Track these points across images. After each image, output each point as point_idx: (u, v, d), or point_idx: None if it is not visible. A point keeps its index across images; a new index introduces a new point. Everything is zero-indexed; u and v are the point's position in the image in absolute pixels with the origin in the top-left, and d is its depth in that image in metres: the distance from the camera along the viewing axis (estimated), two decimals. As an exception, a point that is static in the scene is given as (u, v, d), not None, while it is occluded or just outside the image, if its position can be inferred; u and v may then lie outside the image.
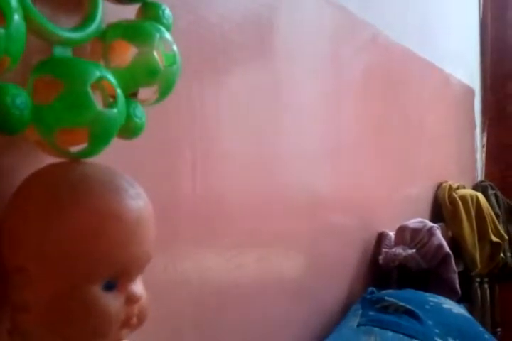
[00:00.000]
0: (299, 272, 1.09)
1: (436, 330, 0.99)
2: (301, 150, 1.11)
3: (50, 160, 0.49)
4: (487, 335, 1.04)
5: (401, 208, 1.66)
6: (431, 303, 1.07)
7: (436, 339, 0.97)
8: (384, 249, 1.30)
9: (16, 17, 0.41)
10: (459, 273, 1.35)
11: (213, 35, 0.82)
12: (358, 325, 1.01)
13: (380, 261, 1.30)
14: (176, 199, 0.74)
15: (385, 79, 1.55)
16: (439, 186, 1.91)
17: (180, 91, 0.62)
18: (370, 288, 1.16)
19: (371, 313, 1.04)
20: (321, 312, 1.14)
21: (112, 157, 0.52)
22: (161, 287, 0.68)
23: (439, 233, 1.32)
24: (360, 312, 1.06)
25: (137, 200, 0.46)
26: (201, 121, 0.80)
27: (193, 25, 0.77)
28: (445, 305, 1.08)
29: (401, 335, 0.95)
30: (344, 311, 1.14)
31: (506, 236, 1.97)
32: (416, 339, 0.95)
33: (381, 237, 1.36)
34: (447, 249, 1.27)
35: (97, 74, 0.46)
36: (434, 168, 1.95)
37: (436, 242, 1.28)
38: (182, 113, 0.76)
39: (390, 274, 1.29)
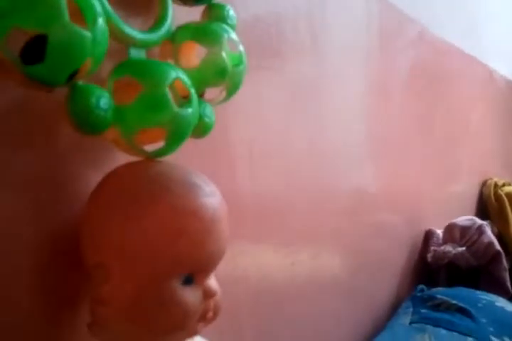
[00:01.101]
0: (349, 269, 1.09)
1: (491, 329, 0.98)
2: (348, 147, 1.11)
3: (124, 158, 0.50)
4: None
5: (447, 205, 1.64)
6: (483, 301, 1.06)
7: (492, 337, 0.96)
8: (432, 247, 1.29)
9: (100, 21, 0.42)
10: (506, 271, 1.33)
11: (268, 34, 0.83)
12: (410, 323, 1.01)
13: (429, 259, 1.29)
14: (235, 197, 0.75)
15: (430, 75, 1.54)
16: (484, 183, 1.89)
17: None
18: (420, 286, 1.16)
19: (423, 311, 1.03)
20: (371, 310, 1.14)
21: (175, 156, 0.53)
22: (223, 282, 0.69)
23: (489, 230, 1.30)
24: (411, 309, 1.06)
25: (212, 198, 0.47)
26: (256, 121, 0.81)
27: (250, 25, 0.78)
28: (498, 304, 1.07)
29: (455, 333, 0.95)
30: (393, 309, 1.14)
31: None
32: (470, 337, 0.94)
33: (429, 235, 1.35)
34: (498, 246, 1.26)
35: (174, 75, 0.47)
36: (478, 165, 1.93)
37: (486, 240, 1.26)
38: (239, 113, 0.76)
39: (438, 272, 1.28)
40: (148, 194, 0.45)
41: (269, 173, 0.84)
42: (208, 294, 0.47)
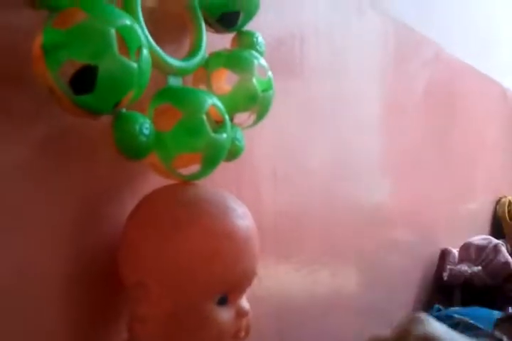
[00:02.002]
0: (366, 287, 1.10)
1: (508, 348, 0.98)
2: (366, 165, 1.13)
3: (158, 181, 0.52)
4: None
5: (461, 223, 1.65)
6: (500, 321, 1.07)
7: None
8: (448, 266, 1.30)
9: (145, 52, 0.44)
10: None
11: (292, 57, 0.85)
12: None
13: (445, 278, 1.30)
14: (259, 217, 0.76)
15: (445, 94, 1.56)
16: (498, 201, 1.90)
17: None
18: (436, 306, 1.16)
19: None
20: (388, 327, 1.14)
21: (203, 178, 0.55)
22: (249, 301, 0.70)
23: (504, 250, 1.31)
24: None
25: (245, 220, 0.49)
26: (279, 141, 0.83)
27: (275, 48, 0.80)
28: (514, 324, 1.07)
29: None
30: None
31: None
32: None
33: (445, 254, 1.36)
34: (513, 266, 1.27)
35: (210, 101, 0.50)
36: (492, 183, 1.94)
37: (502, 259, 1.27)
38: (262, 134, 0.78)
39: (454, 291, 1.29)
40: (185, 216, 0.47)
41: (291, 192, 0.86)
42: (241, 314, 0.49)
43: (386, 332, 0.73)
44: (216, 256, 0.46)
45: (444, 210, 1.55)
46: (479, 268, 1.26)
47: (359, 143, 1.10)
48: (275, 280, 0.79)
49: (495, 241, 1.35)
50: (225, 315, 0.48)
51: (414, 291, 1.29)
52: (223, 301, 0.48)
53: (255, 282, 0.74)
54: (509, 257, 1.30)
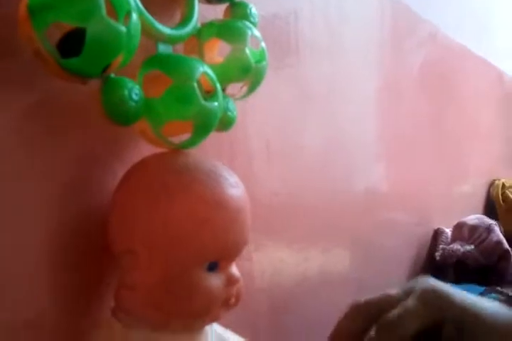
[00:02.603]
0: (358, 265, 1.10)
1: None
2: (361, 145, 1.13)
3: (149, 150, 0.52)
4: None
5: (455, 205, 1.65)
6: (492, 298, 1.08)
7: None
8: (441, 246, 1.31)
9: (134, 16, 0.43)
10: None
11: (287, 32, 0.84)
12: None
13: (437, 258, 1.30)
14: (251, 190, 0.76)
15: (441, 75, 1.55)
16: (492, 184, 1.90)
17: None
18: (429, 284, 1.16)
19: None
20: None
21: (195, 148, 0.54)
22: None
23: (497, 230, 1.32)
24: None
25: (237, 189, 0.49)
26: (273, 118, 0.82)
27: (269, 23, 0.80)
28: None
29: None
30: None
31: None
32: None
33: (438, 234, 1.36)
34: (506, 245, 1.27)
35: (201, 69, 0.49)
36: (487, 166, 1.94)
37: (495, 238, 1.28)
38: (258, 108, 0.78)
39: (446, 270, 1.29)
40: (176, 183, 0.47)
41: (285, 170, 0.85)
42: (232, 281, 0.49)
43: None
44: (206, 223, 0.46)
45: (438, 192, 1.55)
46: (472, 247, 1.26)
47: (354, 124, 1.10)
48: (267, 256, 0.79)
49: (488, 220, 1.36)
50: (215, 281, 0.48)
51: (407, 271, 1.29)
52: (213, 268, 0.48)
53: (247, 257, 0.74)
54: (502, 236, 1.30)
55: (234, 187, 0.49)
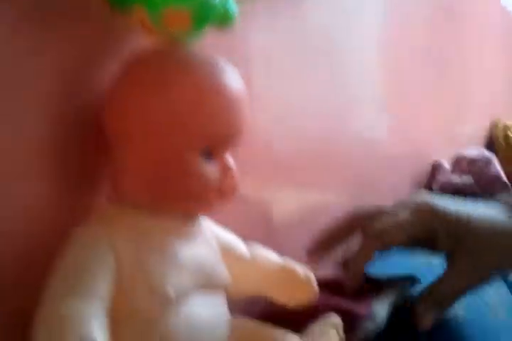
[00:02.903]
0: (354, 198, 1.11)
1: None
2: (361, 78, 1.12)
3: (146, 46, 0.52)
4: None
5: (455, 144, 1.65)
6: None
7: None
8: (439, 177, 1.32)
9: None
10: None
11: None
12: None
13: (435, 189, 1.31)
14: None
15: (446, 10, 1.52)
16: (494, 124, 1.89)
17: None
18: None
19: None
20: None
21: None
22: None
23: (496, 163, 1.32)
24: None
25: (236, 82, 0.50)
26: (272, 70, 0.81)
27: None
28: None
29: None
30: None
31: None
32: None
33: (436, 167, 1.37)
34: (505, 178, 1.28)
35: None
36: (489, 106, 1.93)
37: (493, 170, 1.28)
38: (254, 62, 0.77)
39: (444, 202, 1.30)
40: (173, 70, 0.47)
41: (284, 123, 0.85)
42: (226, 168, 0.50)
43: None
44: (203, 105, 0.47)
45: (438, 130, 1.55)
46: (470, 179, 1.27)
47: (354, 53, 1.09)
48: (261, 193, 0.79)
49: (487, 153, 1.36)
50: (209, 168, 0.48)
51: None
52: (208, 154, 0.48)
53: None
54: (500, 169, 1.31)
55: (233, 79, 0.49)
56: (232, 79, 0.49)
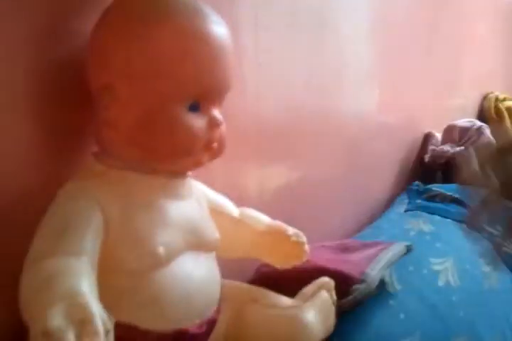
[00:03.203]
0: (348, 168, 1.10)
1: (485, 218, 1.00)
2: (352, 49, 1.10)
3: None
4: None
5: (447, 115, 1.64)
6: (478, 194, 1.09)
7: (485, 226, 0.98)
8: (431, 147, 1.31)
9: None
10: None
11: None
12: (405, 211, 1.03)
13: (426, 159, 1.30)
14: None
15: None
16: (485, 97, 1.88)
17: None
18: (416, 182, 1.18)
19: (418, 201, 1.06)
20: (369, 203, 1.17)
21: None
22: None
23: (488, 132, 1.31)
24: (406, 200, 1.08)
25: (221, 26, 0.47)
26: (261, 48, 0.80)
27: None
28: (493, 197, 1.09)
29: (449, 220, 0.97)
30: (390, 202, 1.17)
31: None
32: (464, 224, 0.97)
33: (427, 137, 1.36)
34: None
35: None
36: (480, 79, 1.92)
37: (485, 140, 1.28)
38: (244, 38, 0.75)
39: (435, 172, 1.30)
40: (154, 13, 0.45)
41: (270, 97, 0.83)
42: (213, 123, 0.48)
43: None
44: (187, 56, 0.45)
45: (430, 102, 1.54)
46: (462, 148, 1.26)
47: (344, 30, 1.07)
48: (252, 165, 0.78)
49: (479, 123, 1.35)
50: (196, 121, 0.47)
51: (397, 171, 1.30)
52: (195, 108, 0.46)
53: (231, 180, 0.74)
54: (492, 139, 1.30)
55: (217, 24, 0.47)
56: (218, 25, 0.47)
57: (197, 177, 0.55)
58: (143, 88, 0.45)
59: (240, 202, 0.61)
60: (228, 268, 0.59)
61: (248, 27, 0.77)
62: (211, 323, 0.50)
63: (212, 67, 0.46)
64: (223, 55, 0.47)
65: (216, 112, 0.48)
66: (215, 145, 0.49)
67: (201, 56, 0.45)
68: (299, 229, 0.59)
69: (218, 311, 0.52)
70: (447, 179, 1.26)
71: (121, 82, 0.45)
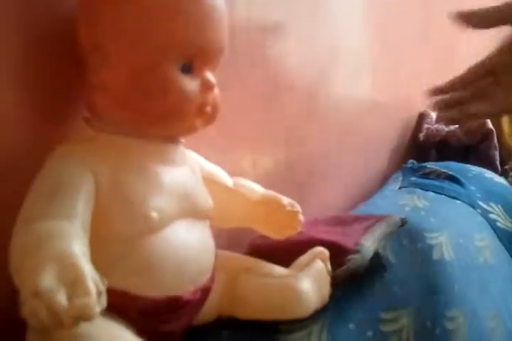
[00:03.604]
0: (342, 144, 1.10)
1: (479, 195, 1.00)
2: (346, 31, 1.09)
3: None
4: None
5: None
6: (473, 172, 1.08)
7: (479, 202, 0.98)
8: (425, 125, 1.30)
9: None
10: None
11: None
12: (399, 188, 1.03)
13: (421, 138, 1.30)
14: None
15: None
16: (480, 78, 1.88)
17: None
18: (410, 160, 1.17)
19: (413, 178, 1.05)
20: (362, 180, 1.16)
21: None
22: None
23: (482, 111, 1.31)
24: (401, 178, 1.08)
25: None
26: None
27: None
28: (487, 175, 1.09)
29: (443, 196, 0.97)
30: (384, 181, 1.17)
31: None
32: (458, 200, 0.97)
33: (422, 116, 1.35)
34: (490, 125, 1.26)
35: None
36: (477, 56, 1.91)
37: (479, 118, 1.27)
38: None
39: (429, 151, 1.29)
40: None
41: (263, 74, 0.82)
42: (207, 85, 0.47)
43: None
44: (179, 12, 0.44)
45: (426, 83, 1.53)
46: (456, 126, 1.26)
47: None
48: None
49: (473, 101, 1.35)
50: (189, 83, 0.45)
51: (391, 150, 1.30)
52: (187, 69, 0.45)
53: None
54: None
55: None
56: None
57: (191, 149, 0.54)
58: (133, 48, 0.44)
59: (233, 176, 0.61)
60: (223, 241, 0.58)
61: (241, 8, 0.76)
62: (205, 291, 0.49)
63: (204, 25, 0.45)
64: (215, 15, 0.46)
65: (209, 75, 0.47)
66: (208, 108, 0.48)
67: (192, 14, 0.44)
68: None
69: (212, 279, 0.51)
70: (442, 157, 1.26)
71: (112, 41, 0.44)
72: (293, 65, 0.90)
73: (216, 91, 0.48)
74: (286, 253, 0.60)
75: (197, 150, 0.56)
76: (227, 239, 0.65)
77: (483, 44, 1.88)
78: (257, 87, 0.81)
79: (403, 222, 0.73)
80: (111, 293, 0.36)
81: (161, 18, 0.43)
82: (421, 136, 1.29)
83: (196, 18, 0.45)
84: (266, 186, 0.65)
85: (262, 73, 0.82)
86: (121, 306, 0.41)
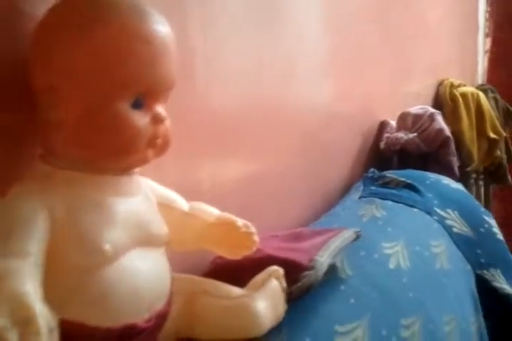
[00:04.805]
0: (304, 157, 1.12)
1: (436, 202, 1.04)
2: (304, 41, 1.12)
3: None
4: (482, 209, 1.09)
5: (402, 103, 1.68)
6: (431, 179, 1.12)
7: (436, 209, 1.02)
8: (386, 134, 1.34)
9: None
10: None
11: None
12: (360, 197, 1.06)
13: (382, 146, 1.34)
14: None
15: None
16: (441, 83, 1.93)
17: None
18: (372, 169, 1.20)
19: (372, 188, 1.09)
20: (325, 191, 1.19)
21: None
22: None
23: (440, 118, 1.35)
24: (361, 188, 1.11)
25: (163, 25, 0.49)
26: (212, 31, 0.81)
27: None
28: (444, 181, 1.13)
29: (401, 205, 1.00)
30: (346, 190, 1.20)
31: (504, 133, 2.00)
32: (416, 208, 1.00)
33: (383, 125, 1.39)
34: (448, 132, 1.31)
35: None
36: (435, 66, 1.95)
37: (437, 126, 1.31)
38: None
39: (390, 159, 1.33)
40: (97, 14, 0.46)
41: (220, 91, 0.84)
42: (157, 118, 0.49)
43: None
44: (128, 55, 0.46)
45: (387, 90, 1.56)
46: (415, 134, 1.29)
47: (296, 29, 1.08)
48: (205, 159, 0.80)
49: (431, 110, 1.39)
50: (139, 118, 0.48)
51: (353, 159, 1.33)
52: (138, 105, 0.48)
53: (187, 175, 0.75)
54: (444, 125, 1.34)
55: (160, 23, 0.48)
56: (160, 24, 0.48)
57: (149, 173, 0.56)
58: (85, 87, 0.46)
59: (192, 196, 0.62)
60: (184, 262, 0.60)
61: (196, 22, 0.78)
62: (161, 316, 0.51)
63: (154, 65, 0.48)
64: (165, 54, 0.48)
65: (160, 108, 0.50)
66: (159, 141, 0.50)
67: (142, 55, 0.47)
68: (254, 220, 0.61)
69: (169, 304, 0.53)
70: (403, 165, 1.30)
71: (64, 82, 0.46)
72: (249, 78, 0.92)
73: (167, 123, 0.50)
74: (245, 270, 0.63)
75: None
76: (189, 259, 0.67)
77: (442, 52, 1.94)
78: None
79: (358, 236, 0.76)
80: (66, 324, 0.38)
81: (114, 58, 0.46)
82: (381, 144, 1.33)
83: (146, 59, 0.47)
84: (226, 201, 0.67)
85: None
86: (78, 338, 0.43)
